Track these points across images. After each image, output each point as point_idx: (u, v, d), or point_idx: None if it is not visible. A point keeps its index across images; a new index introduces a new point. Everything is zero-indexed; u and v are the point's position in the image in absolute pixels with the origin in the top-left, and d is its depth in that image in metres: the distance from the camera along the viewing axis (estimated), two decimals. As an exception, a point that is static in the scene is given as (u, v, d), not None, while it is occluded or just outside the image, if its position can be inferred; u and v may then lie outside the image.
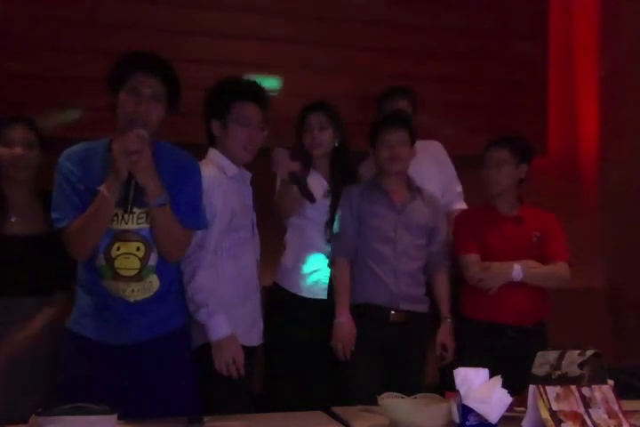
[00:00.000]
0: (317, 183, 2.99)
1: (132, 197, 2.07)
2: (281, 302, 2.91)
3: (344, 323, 2.81)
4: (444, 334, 2.91)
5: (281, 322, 2.83)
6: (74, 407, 1.73)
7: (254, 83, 2.60)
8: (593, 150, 4.36)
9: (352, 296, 2.89)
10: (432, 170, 3.29)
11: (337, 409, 2.18)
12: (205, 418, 1.99)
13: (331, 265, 2.94)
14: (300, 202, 2.89)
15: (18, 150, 2.45)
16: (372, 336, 2.82)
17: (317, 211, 2.96)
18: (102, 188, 2.05)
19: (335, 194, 2.99)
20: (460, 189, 3.44)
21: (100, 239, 2.13)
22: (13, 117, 2.52)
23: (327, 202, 2.99)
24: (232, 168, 2.52)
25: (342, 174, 3.04)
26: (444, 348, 2.90)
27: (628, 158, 4.11)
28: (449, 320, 2.92)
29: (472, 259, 2.93)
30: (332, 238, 2.94)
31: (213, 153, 2.55)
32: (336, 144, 3.03)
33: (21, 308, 2.46)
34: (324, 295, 2.94)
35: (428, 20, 3.96)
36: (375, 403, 1.98)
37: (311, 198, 2.82)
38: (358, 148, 3.05)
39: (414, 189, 2.99)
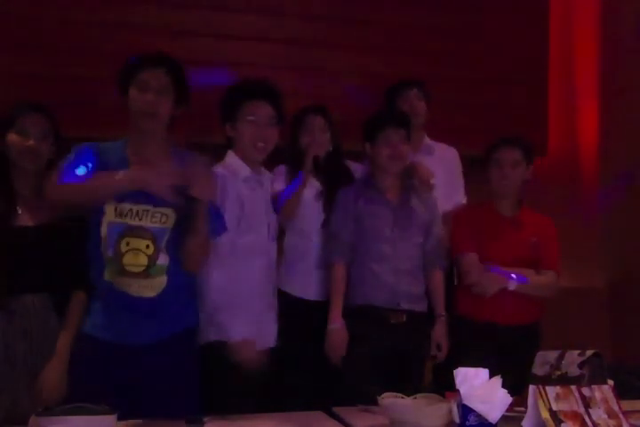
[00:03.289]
0: (309, 186, 3.00)
1: None
2: (280, 305, 2.91)
3: (336, 329, 2.80)
4: (439, 333, 2.89)
5: (280, 324, 2.83)
6: (74, 407, 1.72)
7: (263, 81, 2.64)
8: (593, 151, 4.35)
9: (351, 298, 2.87)
10: (439, 177, 3.27)
11: (337, 409, 2.18)
12: (205, 418, 1.99)
13: (327, 267, 2.93)
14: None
15: (31, 142, 2.41)
16: (372, 338, 2.80)
17: (311, 213, 2.98)
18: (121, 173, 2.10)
19: (329, 196, 2.99)
20: (464, 201, 3.37)
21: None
22: (30, 105, 2.47)
23: (320, 204, 3.01)
24: (245, 170, 2.55)
25: (336, 177, 3.05)
26: (439, 347, 2.88)
27: (628, 158, 4.11)
28: (443, 318, 2.91)
29: (471, 259, 2.93)
30: (327, 241, 2.95)
31: (229, 155, 2.58)
32: (331, 148, 3.06)
33: (33, 306, 2.39)
34: (322, 297, 2.94)
35: (427, 21, 3.97)
36: (375, 403, 1.98)
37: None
38: (358, 148, 3.05)
39: (409, 186, 2.98)
